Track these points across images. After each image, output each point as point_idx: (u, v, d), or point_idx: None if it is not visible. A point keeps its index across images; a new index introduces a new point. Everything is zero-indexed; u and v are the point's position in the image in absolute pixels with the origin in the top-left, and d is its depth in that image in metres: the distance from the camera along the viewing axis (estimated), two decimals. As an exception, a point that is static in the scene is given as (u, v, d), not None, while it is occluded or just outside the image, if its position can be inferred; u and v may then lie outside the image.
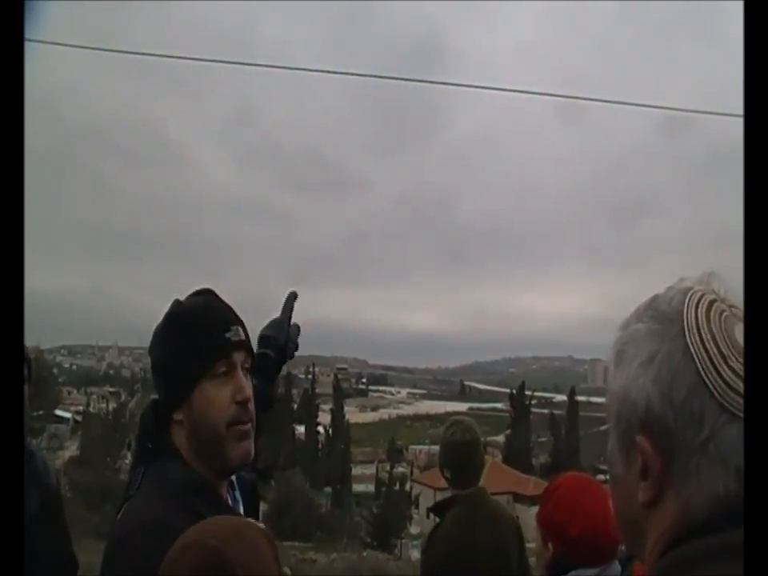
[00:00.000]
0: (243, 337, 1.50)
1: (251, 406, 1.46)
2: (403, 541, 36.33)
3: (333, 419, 63.52)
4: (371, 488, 58.96)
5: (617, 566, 1.89)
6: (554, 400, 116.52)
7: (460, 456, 3.03)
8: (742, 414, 0.75)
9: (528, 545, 3.06)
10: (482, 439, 3.24)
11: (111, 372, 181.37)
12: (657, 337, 0.79)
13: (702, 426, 0.75)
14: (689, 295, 0.81)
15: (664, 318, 0.80)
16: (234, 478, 1.56)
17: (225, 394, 1.43)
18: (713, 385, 0.75)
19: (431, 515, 3.40)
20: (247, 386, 1.46)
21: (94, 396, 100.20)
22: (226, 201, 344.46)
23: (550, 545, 1.94)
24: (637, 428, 0.79)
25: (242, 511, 1.54)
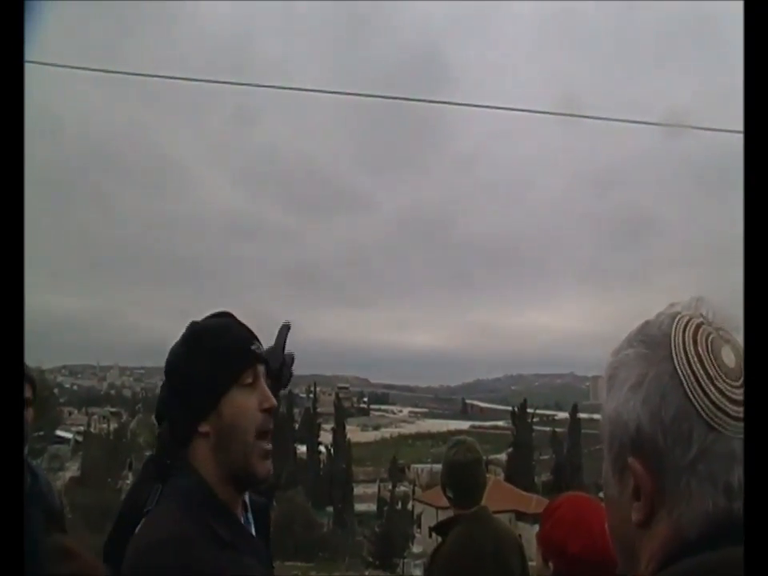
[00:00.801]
0: (263, 352, 1.56)
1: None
2: (405, 560, 36.07)
3: (334, 438, 63.18)
4: (373, 507, 58.51)
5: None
6: (557, 417, 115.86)
7: (462, 476, 3.03)
8: (728, 433, 0.77)
9: (530, 563, 3.05)
10: (484, 458, 3.24)
11: (112, 392, 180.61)
12: (646, 360, 0.82)
13: (691, 445, 0.77)
14: (676, 319, 0.83)
15: (653, 342, 0.83)
16: (247, 499, 1.59)
17: (252, 403, 1.47)
18: (700, 405, 0.77)
19: (434, 534, 3.39)
20: (271, 395, 1.51)
21: (95, 416, 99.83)
22: (227, 219, 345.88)
23: (550, 564, 1.94)
24: (628, 449, 0.81)
25: (253, 532, 1.56)
